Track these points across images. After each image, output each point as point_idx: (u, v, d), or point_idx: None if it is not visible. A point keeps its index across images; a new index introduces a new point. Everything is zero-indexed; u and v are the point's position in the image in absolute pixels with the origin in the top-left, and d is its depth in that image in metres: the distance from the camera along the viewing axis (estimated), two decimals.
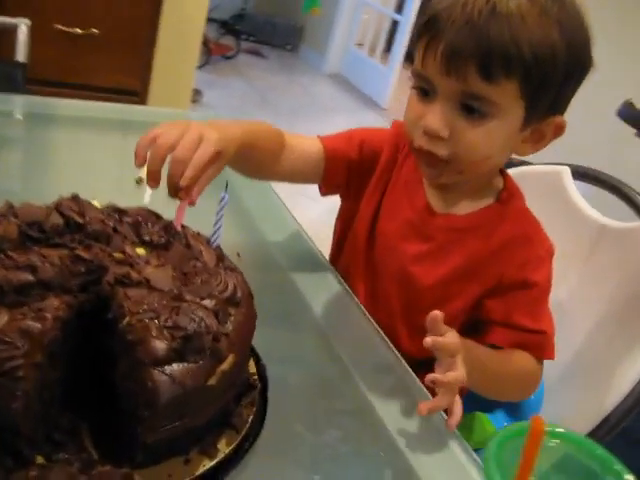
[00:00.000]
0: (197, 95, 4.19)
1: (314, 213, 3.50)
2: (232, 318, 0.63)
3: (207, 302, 0.62)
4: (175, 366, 0.56)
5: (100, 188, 1.13)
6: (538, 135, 0.94)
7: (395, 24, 5.80)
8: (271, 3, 6.58)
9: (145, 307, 0.59)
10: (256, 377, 0.72)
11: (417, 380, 0.86)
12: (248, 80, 5.39)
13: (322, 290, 1.03)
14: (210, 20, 3.26)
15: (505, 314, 0.99)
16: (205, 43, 3.73)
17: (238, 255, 0.95)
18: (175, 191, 0.77)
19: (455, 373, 0.80)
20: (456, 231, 1.01)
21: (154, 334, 0.57)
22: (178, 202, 0.76)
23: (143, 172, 1.14)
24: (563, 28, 0.86)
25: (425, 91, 0.92)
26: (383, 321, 1.02)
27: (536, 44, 0.84)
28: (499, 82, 0.85)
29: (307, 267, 1.08)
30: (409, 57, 6.08)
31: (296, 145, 1.06)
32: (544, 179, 1.33)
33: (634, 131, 2.44)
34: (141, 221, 0.72)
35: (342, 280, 1.04)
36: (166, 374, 0.56)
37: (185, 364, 0.57)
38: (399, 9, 5.77)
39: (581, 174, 1.33)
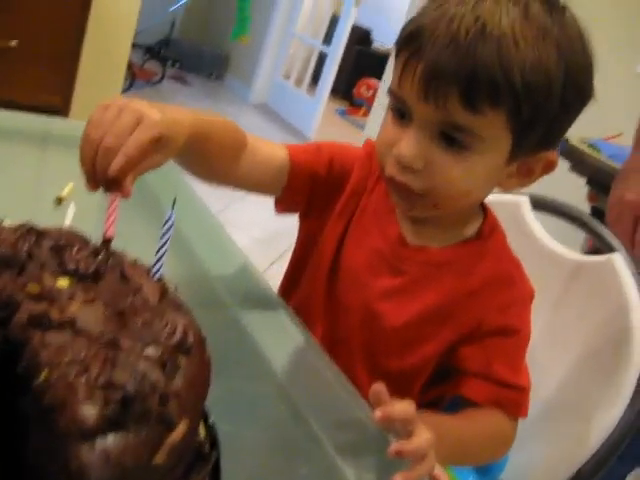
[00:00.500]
0: None
1: (240, 244, 3.37)
2: (182, 370, 0.49)
3: (151, 350, 0.47)
4: (110, 439, 0.41)
5: (12, 207, 0.98)
6: (526, 170, 0.84)
7: (323, 56, 5.78)
8: (197, 30, 6.48)
9: (69, 358, 0.45)
10: (206, 443, 0.57)
11: (389, 437, 0.73)
12: None
13: (275, 331, 0.90)
14: (135, 45, 3.11)
15: (483, 364, 0.88)
16: (129, 67, 3.57)
17: (175, 289, 0.81)
18: (96, 184, 0.64)
19: (419, 438, 0.68)
20: (431, 266, 0.90)
21: (81, 396, 0.42)
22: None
23: (65, 190, 1.01)
24: (562, 53, 0.75)
25: (402, 113, 0.80)
26: (342, 365, 0.89)
27: (529, 71, 0.73)
28: (484, 112, 0.74)
29: (256, 304, 0.94)
30: (335, 90, 6.07)
31: (259, 147, 0.91)
32: (502, 210, 1.25)
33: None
34: (64, 245, 0.57)
35: (297, 319, 0.90)
36: (98, 450, 0.41)
37: (123, 436, 0.42)
38: (327, 41, 5.75)
39: (541, 205, 1.26)
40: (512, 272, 0.91)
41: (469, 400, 0.88)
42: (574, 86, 0.76)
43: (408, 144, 0.78)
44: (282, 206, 0.99)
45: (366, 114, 6.19)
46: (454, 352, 0.90)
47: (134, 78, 4.93)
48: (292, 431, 0.72)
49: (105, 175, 0.63)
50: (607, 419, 0.99)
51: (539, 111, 0.75)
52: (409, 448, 0.67)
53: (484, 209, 0.94)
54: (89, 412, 0.42)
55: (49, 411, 0.43)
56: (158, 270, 0.58)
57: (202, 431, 0.59)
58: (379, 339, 0.92)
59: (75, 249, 0.57)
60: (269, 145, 0.94)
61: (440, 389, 0.94)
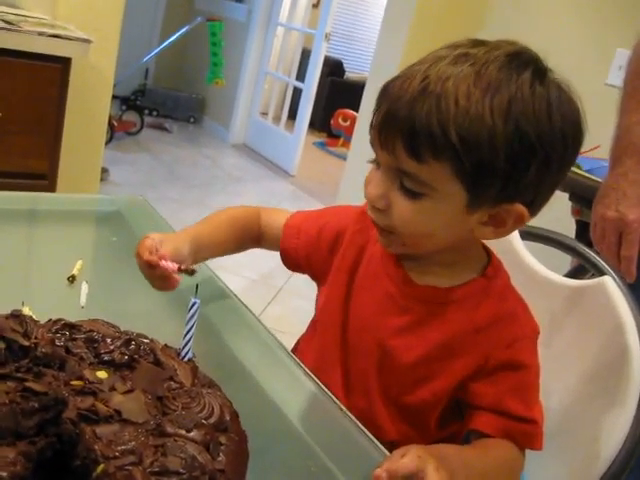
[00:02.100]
0: (104, 173, 4.05)
1: (234, 286, 3.40)
2: (224, 448, 0.53)
3: (194, 434, 0.52)
4: None
5: (23, 289, 1.02)
6: (499, 220, 0.86)
7: (298, 91, 5.85)
8: (171, 77, 6.55)
9: (122, 448, 0.49)
10: None
11: None
12: (154, 155, 5.29)
13: (293, 389, 0.93)
14: (112, 97, 3.17)
15: (495, 399, 0.91)
16: (108, 121, 3.62)
17: (193, 356, 0.84)
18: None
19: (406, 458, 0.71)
20: (437, 304, 0.94)
21: None
22: None
23: (76, 268, 1.05)
24: (513, 112, 0.78)
25: (378, 162, 0.88)
26: (361, 406, 0.94)
27: (467, 127, 0.77)
28: (428, 162, 0.80)
29: (270, 364, 0.97)
30: (312, 123, 6.14)
31: (268, 221, 1.11)
32: (493, 241, 1.29)
33: None
34: (97, 336, 0.61)
35: (313, 375, 0.94)
36: None
37: None
38: (301, 77, 5.83)
39: (529, 234, 1.30)
40: (517, 310, 0.95)
41: (481, 433, 0.92)
42: (524, 144, 0.79)
43: (373, 186, 0.87)
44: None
45: (345, 144, 6.26)
46: (465, 388, 0.93)
47: (113, 130, 4.96)
48: None
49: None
50: (614, 437, 1.02)
51: (484, 165, 0.79)
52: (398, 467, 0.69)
53: (487, 251, 0.98)
54: None
55: None
56: (187, 353, 0.62)
57: None
58: (393, 375, 0.96)
59: (108, 340, 0.61)
60: (277, 216, 1.12)
61: (457, 425, 0.98)
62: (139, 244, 0.91)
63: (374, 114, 0.86)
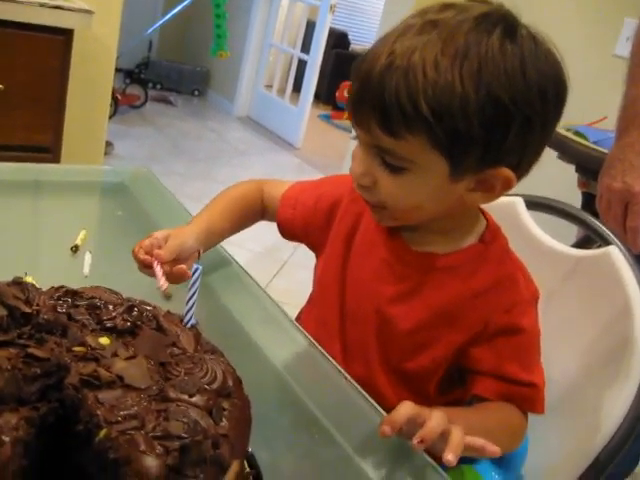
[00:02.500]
0: (108, 147, 4.04)
1: (241, 260, 3.40)
2: (227, 413, 0.53)
3: (197, 399, 0.52)
4: None
5: (27, 259, 1.02)
6: (487, 185, 0.86)
7: (302, 63, 5.81)
8: (175, 50, 6.51)
9: (124, 413, 0.49)
10: (250, 475, 0.61)
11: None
12: (158, 128, 5.28)
13: (296, 358, 0.94)
14: (115, 70, 3.16)
15: (494, 364, 0.91)
16: (112, 94, 3.60)
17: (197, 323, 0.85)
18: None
19: (430, 421, 0.72)
20: (435, 270, 0.94)
21: (143, 448, 0.46)
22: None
23: (79, 238, 1.05)
24: (485, 76, 0.76)
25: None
26: (361, 374, 0.94)
27: (438, 97, 0.76)
28: (403, 137, 0.79)
29: (275, 332, 0.98)
30: (317, 95, 6.11)
31: (269, 194, 1.12)
32: (498, 211, 1.28)
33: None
34: (99, 303, 0.61)
35: (316, 344, 0.94)
36: None
37: None
38: (306, 49, 5.78)
39: (534, 204, 1.30)
40: (515, 274, 0.95)
41: (482, 398, 0.93)
42: (497, 107, 0.77)
43: (357, 164, 0.87)
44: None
45: (350, 117, 6.21)
46: (465, 354, 0.94)
47: (117, 104, 4.95)
48: (326, 454, 0.76)
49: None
50: (618, 406, 1.02)
51: (459, 133, 0.78)
52: (427, 432, 0.71)
53: (485, 216, 0.98)
54: (152, 463, 0.46)
55: (113, 466, 0.47)
56: (189, 320, 0.62)
57: (245, 463, 0.63)
58: (392, 342, 0.96)
59: (110, 306, 0.61)
60: (276, 189, 1.13)
61: (458, 392, 0.98)
62: (139, 242, 0.93)
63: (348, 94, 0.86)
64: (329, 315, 1.02)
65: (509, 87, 0.77)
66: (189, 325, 0.63)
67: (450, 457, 0.70)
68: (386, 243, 0.97)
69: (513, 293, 0.93)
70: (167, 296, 0.84)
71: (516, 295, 0.93)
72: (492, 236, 0.96)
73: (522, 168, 0.85)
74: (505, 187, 0.86)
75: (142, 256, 0.90)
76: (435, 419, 0.73)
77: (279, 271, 3.18)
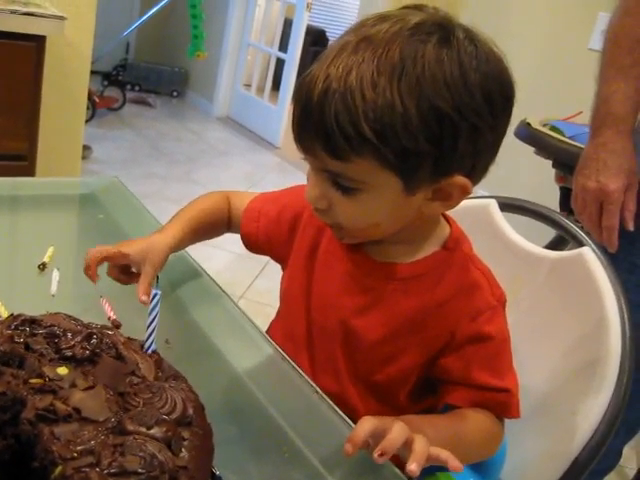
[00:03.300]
0: (86, 151, 4.01)
1: (222, 261, 3.40)
2: (187, 443, 0.52)
3: (155, 430, 0.51)
4: None
5: None
6: (444, 194, 0.84)
7: (281, 62, 5.80)
8: (153, 51, 6.47)
9: (80, 448, 0.48)
10: None
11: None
12: (137, 130, 5.24)
13: (267, 373, 0.92)
14: (92, 72, 3.12)
15: (464, 373, 0.91)
16: (89, 96, 3.58)
17: (167, 342, 0.83)
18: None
19: (391, 433, 0.71)
20: (399, 280, 0.93)
21: None
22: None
23: (47, 255, 1.03)
24: (424, 89, 0.74)
25: None
26: (331, 386, 0.93)
27: (380, 118, 0.74)
28: (351, 160, 0.77)
29: (245, 347, 0.97)
30: None
31: (234, 206, 1.11)
32: (472, 213, 1.28)
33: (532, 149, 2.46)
34: (58, 331, 0.60)
35: (285, 356, 0.93)
36: None
37: None
38: (284, 47, 5.76)
39: (508, 205, 1.29)
40: (479, 280, 0.93)
41: (456, 407, 0.92)
42: (445, 119, 0.75)
43: (311, 188, 0.86)
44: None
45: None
46: (434, 364, 0.93)
47: (95, 107, 4.91)
48: (295, 472, 0.75)
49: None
50: (595, 407, 1.02)
51: (406, 151, 0.76)
52: (387, 444, 0.70)
53: (449, 221, 0.97)
54: None
55: None
56: (150, 346, 0.61)
57: None
58: (359, 354, 0.95)
59: (69, 334, 0.60)
60: (241, 201, 1.11)
61: (430, 400, 0.98)
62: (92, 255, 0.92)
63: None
64: (296, 328, 1.01)
65: (450, 97, 0.75)
66: (150, 351, 0.61)
67: (413, 467, 0.69)
68: (348, 255, 0.96)
69: (478, 300, 0.92)
70: (117, 326, 0.81)
71: (481, 302, 0.92)
72: (455, 242, 0.94)
73: (477, 172, 0.83)
74: (462, 193, 0.84)
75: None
76: (396, 430, 0.71)
77: (260, 272, 3.17)
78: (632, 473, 2.17)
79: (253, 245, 1.10)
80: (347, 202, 0.83)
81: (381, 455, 0.70)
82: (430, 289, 0.92)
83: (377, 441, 0.71)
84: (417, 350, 0.93)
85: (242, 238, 1.10)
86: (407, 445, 0.71)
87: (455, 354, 0.91)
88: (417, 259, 0.93)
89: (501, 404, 0.92)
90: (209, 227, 1.11)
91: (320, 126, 0.77)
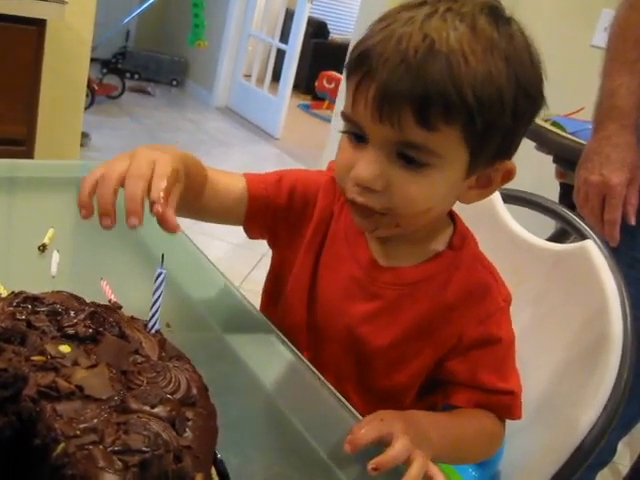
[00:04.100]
0: (85, 138, 3.99)
1: (219, 252, 3.39)
2: (191, 423, 0.51)
3: (159, 409, 0.50)
4: None
5: None
6: (485, 181, 0.84)
7: (281, 53, 5.78)
8: (153, 39, 6.44)
9: (83, 426, 0.47)
10: None
11: None
12: (136, 119, 5.23)
13: (269, 358, 0.92)
14: (92, 60, 3.11)
15: (470, 375, 0.90)
16: (88, 84, 3.56)
17: (168, 326, 0.83)
18: (140, 214, 0.65)
19: (393, 448, 0.70)
20: (406, 286, 0.91)
21: (101, 464, 0.45)
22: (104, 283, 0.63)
23: (47, 237, 1.02)
24: (512, 66, 0.75)
25: (357, 135, 0.81)
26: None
27: (480, 85, 0.73)
28: (438, 129, 0.74)
29: (248, 333, 0.96)
30: (297, 85, 6.07)
31: (218, 180, 0.92)
32: (475, 205, 1.27)
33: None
34: (60, 309, 0.59)
35: (289, 345, 0.92)
36: None
37: None
38: (284, 37, 5.75)
39: (511, 197, 1.29)
40: (487, 280, 0.92)
41: (458, 407, 0.91)
42: (525, 97, 0.77)
43: (366, 166, 0.78)
44: (250, 234, 1.01)
45: (330, 107, 6.20)
46: (440, 367, 0.92)
47: (94, 94, 4.89)
48: (299, 459, 0.74)
49: (139, 200, 0.65)
50: (594, 401, 1.02)
51: (492, 124, 0.76)
52: (385, 460, 0.69)
53: (453, 218, 0.95)
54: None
55: None
56: (154, 325, 0.60)
57: (213, 470, 0.61)
58: (365, 362, 0.94)
59: (72, 312, 0.59)
60: (227, 177, 0.95)
61: (432, 399, 0.97)
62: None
63: (356, 85, 0.77)
64: (296, 328, 0.98)
65: (528, 76, 0.77)
66: (153, 331, 0.61)
67: None
68: (353, 257, 0.93)
69: (487, 303, 0.90)
70: (117, 308, 0.77)
71: (490, 305, 0.90)
72: (461, 241, 0.93)
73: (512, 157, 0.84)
74: (505, 179, 0.84)
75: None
76: (398, 446, 0.70)
77: (258, 263, 3.16)
78: (625, 470, 2.17)
79: (260, 210, 0.96)
80: (411, 180, 0.78)
81: (375, 469, 0.69)
82: (438, 292, 0.90)
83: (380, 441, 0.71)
84: (425, 355, 0.92)
85: (250, 201, 0.95)
86: (406, 462, 0.71)
87: (462, 357, 0.90)
88: (423, 261, 0.91)
89: (505, 406, 0.92)
90: (198, 178, 0.89)
91: (417, 88, 0.72)
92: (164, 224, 0.66)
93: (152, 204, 0.66)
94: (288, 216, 0.97)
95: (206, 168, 0.91)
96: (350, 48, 0.81)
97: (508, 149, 0.81)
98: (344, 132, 0.83)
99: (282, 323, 1.00)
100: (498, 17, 0.78)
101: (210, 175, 0.91)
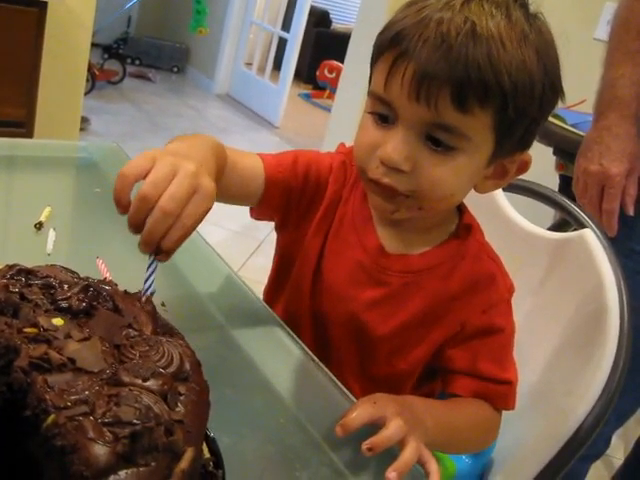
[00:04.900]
0: (84, 123, 3.98)
1: (218, 238, 3.38)
2: (183, 398, 0.51)
3: (151, 383, 0.49)
4: (122, 475, 0.43)
5: None
6: (501, 171, 0.85)
7: (283, 41, 5.76)
8: (154, 25, 6.42)
9: (74, 398, 0.47)
10: (210, 460, 0.59)
11: None
12: (136, 104, 5.21)
13: (266, 340, 0.91)
14: (93, 45, 3.09)
15: (470, 363, 0.90)
16: (89, 68, 3.55)
17: (163, 305, 0.82)
18: (152, 248, 0.63)
19: (387, 429, 0.70)
20: (413, 273, 0.91)
21: (91, 435, 0.44)
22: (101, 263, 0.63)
23: (44, 215, 1.02)
24: (541, 56, 0.77)
25: (384, 117, 0.80)
26: (333, 374, 0.92)
27: (515, 72, 0.74)
28: (473, 112, 0.75)
29: (245, 315, 0.95)
30: (298, 74, 6.05)
31: (237, 161, 0.90)
32: (473, 192, 1.27)
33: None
34: (54, 282, 0.59)
35: (286, 328, 0.92)
36: None
37: (134, 471, 0.44)
38: (286, 25, 5.73)
39: (511, 186, 1.28)
40: (492, 270, 0.92)
41: (456, 396, 0.91)
42: (551, 89, 0.79)
43: (395, 146, 0.78)
44: (256, 213, 0.99)
45: (330, 96, 6.18)
46: (441, 353, 0.92)
47: (95, 79, 4.88)
48: (292, 439, 0.74)
49: (156, 239, 0.62)
50: (590, 391, 1.02)
51: (522, 112, 0.77)
52: (379, 441, 0.70)
53: (460, 209, 0.95)
54: (100, 451, 0.44)
55: (61, 453, 0.45)
56: (149, 288, 0.60)
57: (205, 448, 0.61)
58: (368, 348, 0.94)
59: (66, 286, 0.58)
60: (246, 157, 0.93)
61: (429, 386, 0.97)
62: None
63: (390, 65, 0.77)
64: (299, 313, 0.98)
65: (554, 68, 0.79)
66: (148, 293, 0.60)
67: (391, 476, 0.68)
68: (361, 243, 0.93)
69: (491, 292, 0.91)
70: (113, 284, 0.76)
71: (493, 294, 0.91)
72: (467, 229, 0.93)
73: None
74: (520, 171, 0.86)
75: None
76: (392, 427, 0.71)
77: (256, 250, 3.16)
78: (619, 463, 2.18)
79: (276, 194, 0.95)
80: (439, 162, 0.78)
81: (369, 450, 0.69)
82: (444, 281, 0.91)
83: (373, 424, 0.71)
84: (427, 342, 0.92)
85: (267, 184, 0.93)
86: (399, 444, 0.71)
87: (463, 345, 0.91)
88: (429, 249, 0.91)
89: (501, 395, 0.92)
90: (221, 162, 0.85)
91: (457, 70, 0.73)
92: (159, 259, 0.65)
93: (159, 249, 0.63)
94: (301, 198, 0.97)
95: (225, 149, 0.87)
96: (380, 30, 0.81)
97: (529, 140, 0.82)
98: (371, 113, 0.82)
99: (287, 307, 1.00)
100: (528, 11, 0.79)
101: (230, 157, 0.88)
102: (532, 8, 0.80)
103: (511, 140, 0.80)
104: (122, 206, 0.63)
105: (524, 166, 0.85)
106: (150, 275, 0.61)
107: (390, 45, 0.78)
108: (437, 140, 0.77)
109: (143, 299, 0.61)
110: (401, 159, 0.78)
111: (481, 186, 0.86)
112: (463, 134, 0.77)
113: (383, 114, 0.80)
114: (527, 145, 0.83)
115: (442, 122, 0.76)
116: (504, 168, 0.85)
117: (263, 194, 0.94)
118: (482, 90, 0.74)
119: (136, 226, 0.62)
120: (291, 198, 0.96)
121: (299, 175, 0.95)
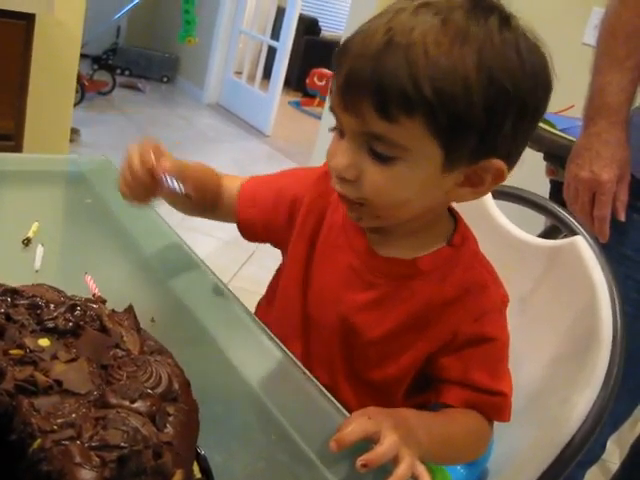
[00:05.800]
0: (74, 134, 3.96)
1: (208, 248, 3.37)
2: (172, 419, 0.50)
3: (139, 404, 0.49)
4: None
5: None
6: (476, 180, 0.82)
7: (272, 50, 5.76)
8: (144, 36, 6.42)
9: (61, 421, 0.46)
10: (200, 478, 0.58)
11: None
12: (126, 115, 5.20)
13: (254, 353, 0.90)
14: (82, 56, 3.08)
15: (462, 373, 0.89)
16: (78, 79, 3.53)
17: (152, 321, 0.82)
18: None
19: (382, 446, 0.70)
20: (404, 277, 0.90)
21: (78, 460, 0.43)
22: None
23: (31, 230, 1.01)
24: (486, 59, 0.73)
25: (341, 131, 0.82)
26: (324, 379, 0.90)
27: (441, 79, 0.71)
28: (399, 121, 0.73)
29: (233, 328, 0.95)
30: (287, 82, 6.06)
31: (226, 187, 1.03)
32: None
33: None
34: (40, 302, 0.58)
35: (275, 339, 0.91)
36: None
37: None
38: (275, 34, 5.73)
39: (501, 193, 1.28)
40: (485, 279, 0.91)
41: (448, 407, 0.90)
42: (502, 93, 0.74)
43: (340, 156, 0.80)
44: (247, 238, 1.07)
45: (321, 104, 6.18)
46: (432, 362, 0.91)
47: (84, 90, 4.86)
48: (284, 456, 0.73)
49: None
50: (584, 398, 1.01)
51: (460, 119, 0.74)
52: (374, 457, 0.69)
53: (455, 218, 0.94)
54: (87, 476, 0.43)
55: (47, 478, 0.44)
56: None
57: (196, 467, 0.60)
58: (358, 352, 0.93)
59: (52, 306, 0.58)
60: (232, 184, 1.04)
61: (423, 396, 0.96)
62: (138, 146, 0.95)
63: (334, 77, 0.79)
64: (290, 318, 0.98)
65: (509, 74, 0.74)
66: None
67: None
68: (351, 246, 0.93)
69: (483, 301, 0.90)
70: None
71: (486, 303, 0.90)
72: (462, 238, 0.92)
73: (511, 160, 0.81)
74: (497, 179, 0.82)
75: (153, 163, 0.94)
76: (387, 444, 0.70)
77: (248, 259, 3.15)
78: (614, 468, 2.17)
79: (249, 233, 1.05)
80: (381, 172, 0.78)
81: (364, 466, 0.68)
82: (435, 287, 0.89)
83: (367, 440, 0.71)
84: (417, 348, 0.91)
85: (239, 226, 1.04)
86: (393, 459, 0.70)
87: (455, 354, 0.90)
88: (422, 255, 0.90)
89: (495, 407, 0.91)
90: (206, 185, 1.01)
91: (375, 79, 0.73)
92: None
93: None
94: (277, 222, 1.01)
95: (220, 177, 1.03)
96: None
97: (492, 146, 0.78)
98: (331, 128, 0.85)
99: (278, 314, 1.00)
100: (484, 11, 0.76)
101: (223, 183, 1.04)
102: (510, 10, 0.78)
103: (463, 148, 0.77)
104: None
105: (499, 174, 0.81)
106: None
107: (334, 60, 0.80)
108: (375, 150, 0.78)
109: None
110: (345, 168, 0.80)
111: (454, 194, 0.84)
112: (396, 143, 0.76)
113: (338, 128, 0.82)
114: (493, 152, 0.79)
115: (372, 131, 0.76)
116: (478, 176, 0.81)
117: (240, 231, 1.04)
118: (402, 99, 0.72)
119: None
120: (269, 228, 1.03)
121: (281, 212, 1.01)
